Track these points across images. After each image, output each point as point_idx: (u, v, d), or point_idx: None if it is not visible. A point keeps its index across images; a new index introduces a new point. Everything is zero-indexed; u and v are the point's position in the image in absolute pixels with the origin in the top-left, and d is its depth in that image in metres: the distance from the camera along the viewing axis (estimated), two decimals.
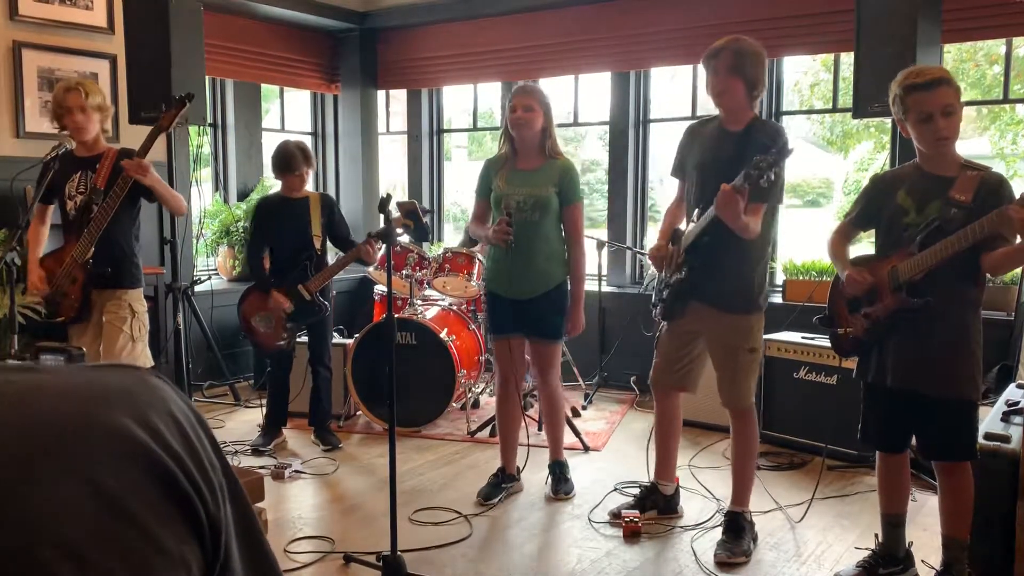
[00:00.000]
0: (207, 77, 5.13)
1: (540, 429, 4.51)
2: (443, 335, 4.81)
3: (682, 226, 3.39)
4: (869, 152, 9.92)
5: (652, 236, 6.18)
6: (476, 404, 5.33)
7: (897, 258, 2.76)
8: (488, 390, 5.37)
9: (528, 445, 3.92)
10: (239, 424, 5.00)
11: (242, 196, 6.49)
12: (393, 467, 2.98)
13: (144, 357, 3.92)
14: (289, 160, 4.34)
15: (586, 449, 4.52)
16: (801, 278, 5.28)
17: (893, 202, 2.81)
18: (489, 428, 4.72)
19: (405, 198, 6.46)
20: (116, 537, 0.57)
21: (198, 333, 5.31)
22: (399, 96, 7.30)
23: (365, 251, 4.26)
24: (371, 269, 5.21)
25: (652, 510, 3.59)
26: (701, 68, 3.26)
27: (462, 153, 9.98)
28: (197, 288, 5.36)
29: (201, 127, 5.00)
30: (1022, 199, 2.45)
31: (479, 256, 4.82)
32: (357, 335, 5.00)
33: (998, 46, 6.36)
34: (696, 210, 3.24)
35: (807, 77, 8.96)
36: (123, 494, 0.58)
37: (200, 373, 5.59)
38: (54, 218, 3.94)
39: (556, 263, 3.74)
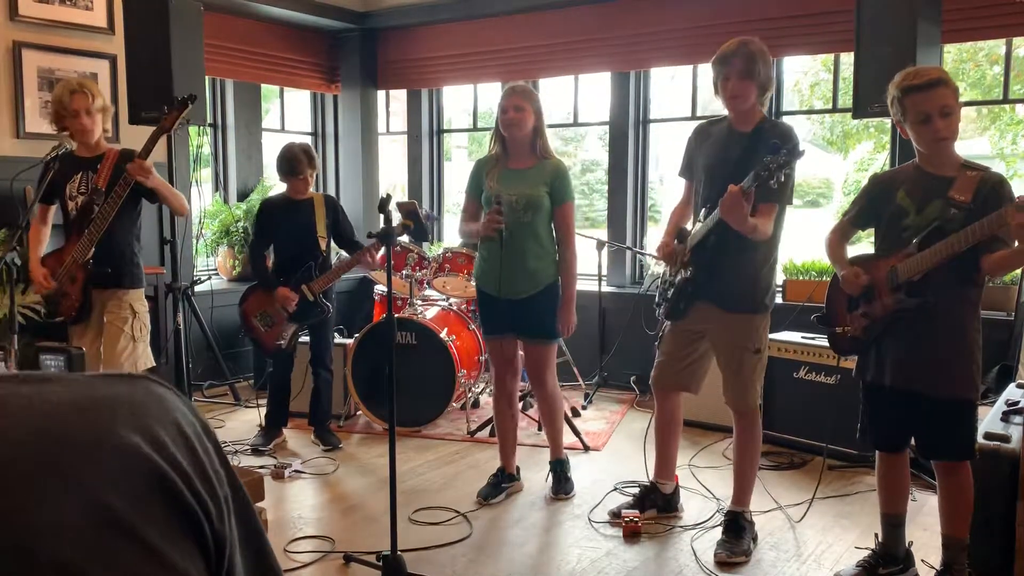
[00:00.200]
0: (207, 77, 5.14)
1: (540, 429, 4.51)
2: (443, 335, 4.81)
3: (688, 226, 3.39)
4: (869, 152, 9.93)
5: (652, 236, 6.19)
6: (476, 404, 5.33)
7: (897, 258, 2.76)
8: (488, 390, 5.37)
9: (528, 444, 3.92)
10: (239, 424, 5.00)
11: (242, 196, 6.50)
12: (393, 467, 2.98)
13: (145, 357, 3.91)
14: (295, 164, 4.34)
15: (586, 449, 4.52)
16: (801, 278, 5.28)
17: (893, 202, 2.81)
18: (489, 428, 4.72)
19: (405, 198, 6.47)
20: (119, 555, 0.57)
21: (198, 333, 5.31)
22: (399, 96, 7.30)
23: (365, 261, 4.27)
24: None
25: (651, 509, 3.59)
26: (701, 68, 3.26)
27: (462, 153, 9.97)
28: (197, 288, 5.36)
29: (201, 127, 5.01)
30: (1019, 203, 2.43)
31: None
32: (357, 335, 5.00)
33: (998, 46, 6.36)
34: (704, 210, 3.24)
35: (807, 77, 8.97)
36: (128, 511, 0.58)
37: (200, 373, 5.59)
38: (55, 218, 3.94)
39: (548, 263, 3.73)
